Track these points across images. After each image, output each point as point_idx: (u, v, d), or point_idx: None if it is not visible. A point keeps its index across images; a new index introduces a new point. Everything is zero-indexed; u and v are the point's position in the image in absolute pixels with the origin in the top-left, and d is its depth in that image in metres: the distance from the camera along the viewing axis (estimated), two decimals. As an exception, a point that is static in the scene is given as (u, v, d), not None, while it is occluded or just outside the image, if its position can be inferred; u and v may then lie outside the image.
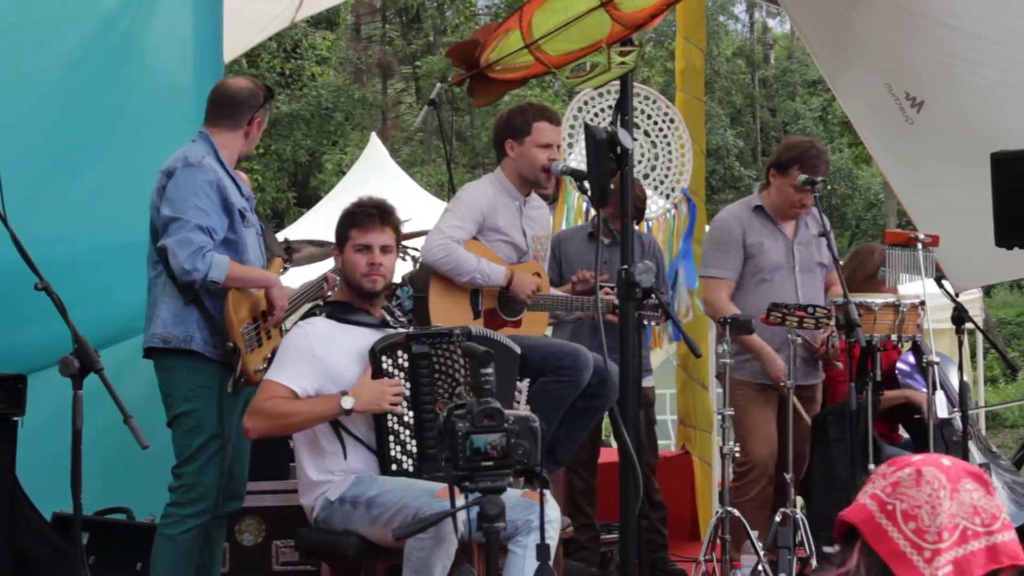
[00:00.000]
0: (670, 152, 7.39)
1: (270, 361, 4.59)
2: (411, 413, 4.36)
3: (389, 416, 4.33)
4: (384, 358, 4.36)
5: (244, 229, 4.77)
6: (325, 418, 4.32)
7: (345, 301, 4.58)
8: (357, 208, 4.57)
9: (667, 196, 7.41)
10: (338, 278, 4.92)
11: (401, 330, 4.52)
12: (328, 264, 5.86)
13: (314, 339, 4.39)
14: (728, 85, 32.76)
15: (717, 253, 6.12)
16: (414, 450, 4.35)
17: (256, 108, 4.87)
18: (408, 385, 4.37)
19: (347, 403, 4.23)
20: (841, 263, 6.01)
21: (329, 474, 4.37)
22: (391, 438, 4.33)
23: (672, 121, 7.41)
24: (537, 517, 3.98)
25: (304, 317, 4.63)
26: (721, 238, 6.13)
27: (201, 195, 4.61)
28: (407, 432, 4.36)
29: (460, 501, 3.21)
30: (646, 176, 7.35)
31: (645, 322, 5.52)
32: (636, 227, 6.30)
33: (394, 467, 4.31)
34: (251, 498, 5.21)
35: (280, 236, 7.63)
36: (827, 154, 6.08)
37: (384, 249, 4.51)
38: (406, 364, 4.39)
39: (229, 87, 4.93)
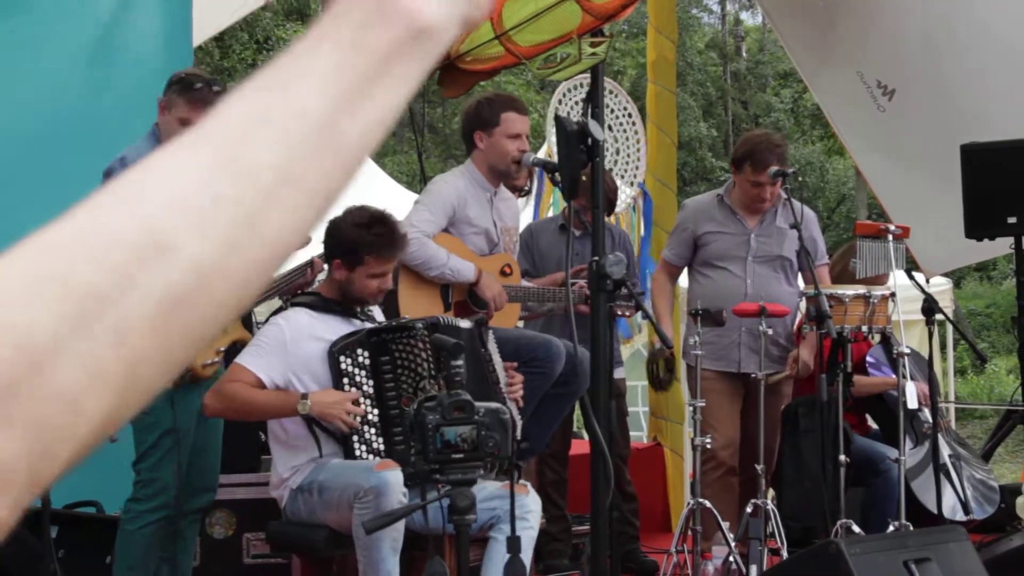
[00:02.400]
0: (628, 146, 7.42)
1: (224, 354, 4.55)
2: (376, 411, 4.35)
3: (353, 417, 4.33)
4: (343, 358, 4.34)
5: None
6: (280, 415, 4.35)
7: (320, 293, 4.58)
8: (381, 235, 4.45)
9: (630, 185, 7.44)
10: (325, 265, 4.91)
11: (364, 325, 4.51)
12: (304, 253, 5.82)
13: (288, 332, 4.38)
14: (701, 77, 32.83)
15: (671, 237, 6.37)
16: (381, 448, 4.33)
17: (177, 92, 4.60)
18: (371, 382, 4.35)
19: (303, 408, 4.24)
20: (830, 257, 6.09)
21: (297, 467, 4.38)
22: (355, 438, 4.33)
23: (630, 116, 7.43)
24: (517, 507, 3.99)
25: (280, 310, 4.61)
26: (677, 225, 6.35)
27: None
28: (372, 431, 4.34)
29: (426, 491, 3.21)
30: (609, 169, 7.36)
31: (619, 312, 5.52)
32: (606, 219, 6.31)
33: None
34: (222, 491, 5.18)
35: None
36: (782, 147, 6.06)
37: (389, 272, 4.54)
38: (367, 362, 4.36)
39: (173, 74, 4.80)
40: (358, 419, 4.31)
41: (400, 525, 4.01)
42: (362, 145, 0.66)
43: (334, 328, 4.44)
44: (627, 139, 7.42)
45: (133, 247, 0.59)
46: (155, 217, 0.60)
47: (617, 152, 7.42)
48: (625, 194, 7.41)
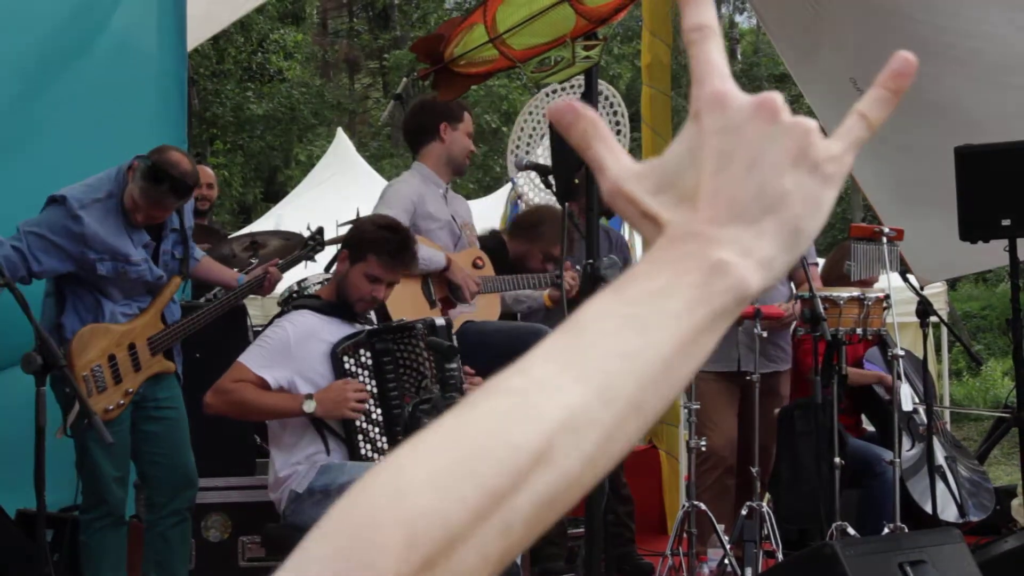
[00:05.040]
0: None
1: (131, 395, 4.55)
2: (379, 410, 4.37)
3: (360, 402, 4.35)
4: (346, 358, 4.37)
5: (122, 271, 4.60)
6: (284, 416, 4.36)
7: (320, 296, 4.63)
8: (389, 240, 4.46)
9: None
10: (281, 275, 4.95)
11: (363, 326, 4.53)
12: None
13: (293, 334, 4.41)
14: (695, 80, 32.85)
15: None
16: (385, 446, 4.35)
17: (142, 176, 4.47)
18: (374, 382, 4.38)
19: (308, 407, 4.26)
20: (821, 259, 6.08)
21: (296, 466, 4.37)
22: (360, 437, 4.34)
23: (618, 123, 7.44)
24: None
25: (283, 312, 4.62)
26: None
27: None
28: (376, 430, 4.36)
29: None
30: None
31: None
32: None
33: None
34: (217, 494, 5.18)
35: (247, 230, 7.59)
36: None
37: (391, 285, 4.53)
38: (369, 362, 4.40)
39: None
40: (362, 416, 4.33)
41: None
42: (680, 382, 0.76)
43: (337, 330, 4.47)
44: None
45: (530, 456, 0.69)
46: (549, 433, 0.70)
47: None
48: None
